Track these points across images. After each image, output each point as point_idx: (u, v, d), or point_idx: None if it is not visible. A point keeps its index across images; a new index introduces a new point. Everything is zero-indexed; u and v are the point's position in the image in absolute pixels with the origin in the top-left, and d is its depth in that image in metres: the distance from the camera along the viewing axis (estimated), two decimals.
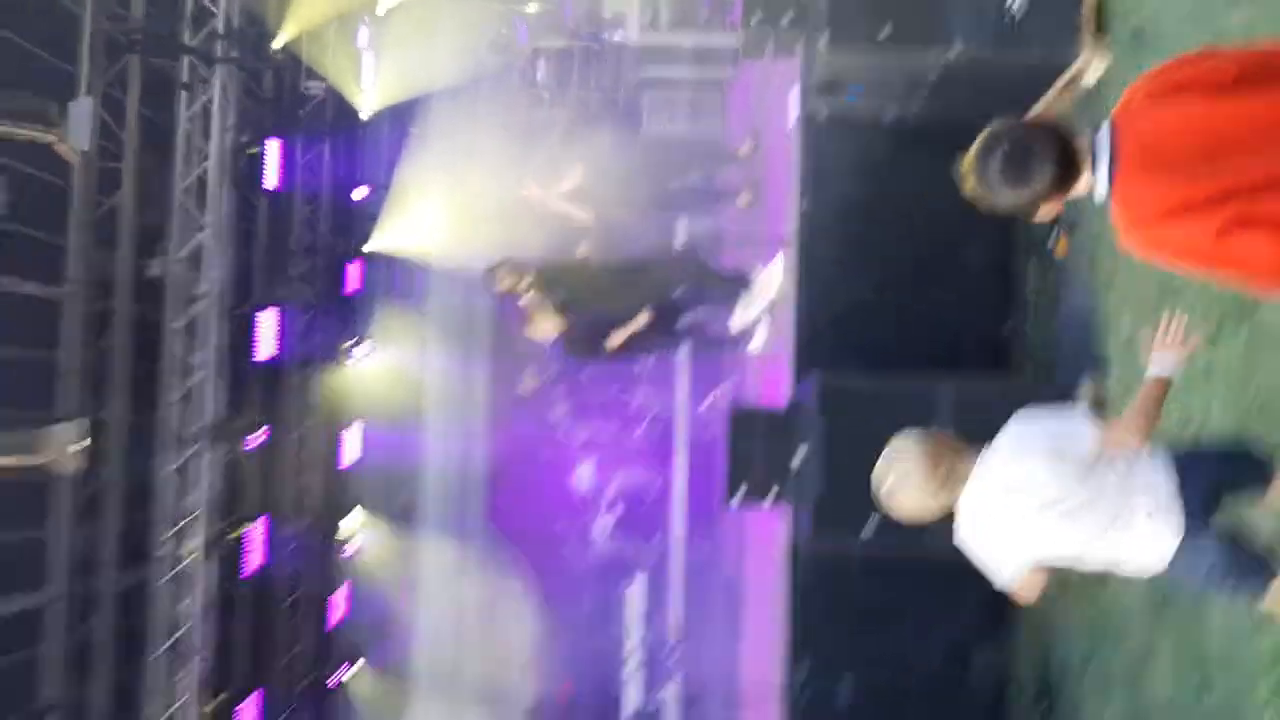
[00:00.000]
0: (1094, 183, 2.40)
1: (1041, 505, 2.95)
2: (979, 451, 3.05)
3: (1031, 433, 3.07)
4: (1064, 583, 5.63)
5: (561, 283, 7.25)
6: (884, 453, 3.06)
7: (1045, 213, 2.50)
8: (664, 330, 7.86)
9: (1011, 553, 3.04)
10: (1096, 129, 2.42)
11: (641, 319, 7.66)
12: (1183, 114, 2.33)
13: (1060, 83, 4.90)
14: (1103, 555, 3.03)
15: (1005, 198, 2.40)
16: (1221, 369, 4.24)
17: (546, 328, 7.36)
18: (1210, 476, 2.99)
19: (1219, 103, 2.30)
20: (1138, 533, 2.93)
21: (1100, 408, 5.45)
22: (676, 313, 8.12)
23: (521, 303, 7.39)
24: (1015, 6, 5.36)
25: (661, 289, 8.02)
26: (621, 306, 7.49)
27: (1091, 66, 5.58)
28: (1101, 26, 5.46)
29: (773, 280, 7.25)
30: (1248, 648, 3.90)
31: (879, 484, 3.03)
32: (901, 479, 2.98)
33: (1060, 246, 5.92)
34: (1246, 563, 2.95)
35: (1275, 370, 3.85)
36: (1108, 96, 5.33)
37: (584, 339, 7.54)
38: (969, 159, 2.43)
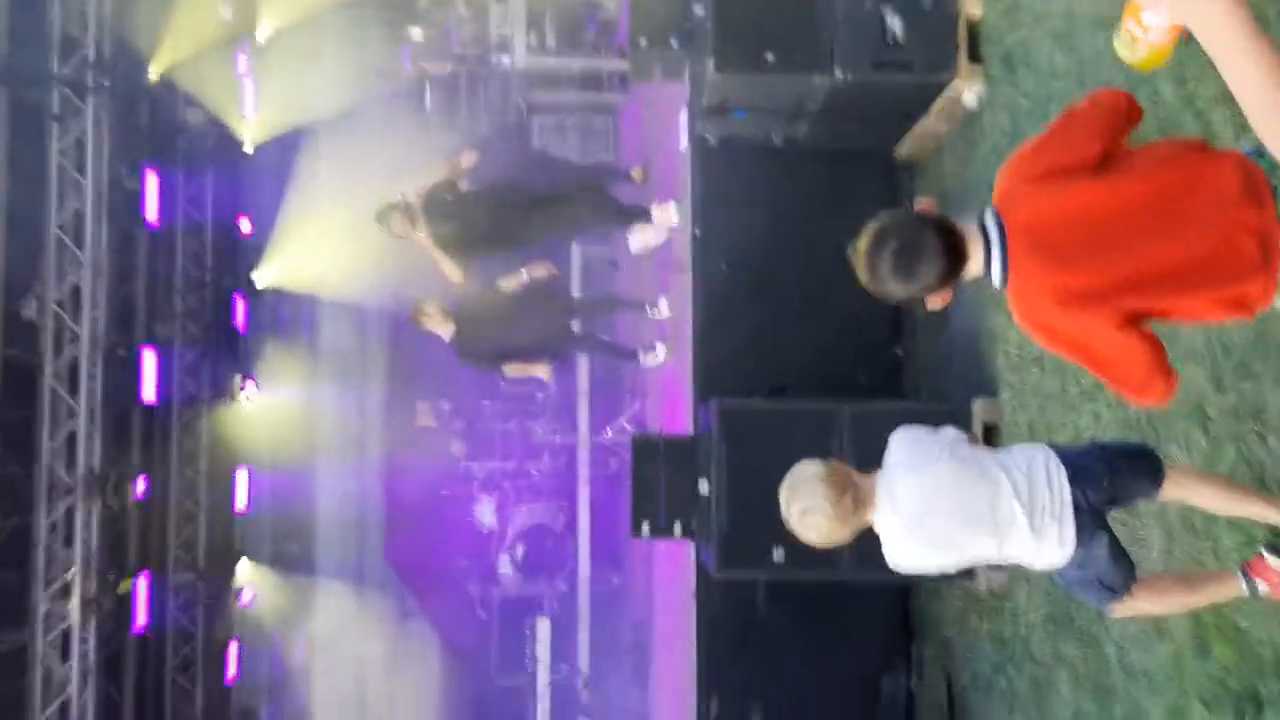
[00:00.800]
0: (988, 270, 2.45)
1: (954, 512, 3.05)
2: (874, 475, 3.14)
3: (923, 446, 3.16)
4: (970, 599, 5.66)
5: (451, 217, 7.10)
6: (785, 483, 3.10)
7: (935, 302, 2.56)
8: (560, 335, 7.80)
9: (937, 560, 3.14)
10: (982, 215, 2.46)
11: (540, 369, 7.64)
12: (1063, 200, 2.37)
13: (939, 102, 4.98)
14: (1010, 554, 3.12)
15: (897, 291, 2.47)
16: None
17: (439, 327, 7.24)
18: (1102, 470, 3.08)
19: (1097, 186, 2.35)
20: (1045, 532, 3.03)
21: (993, 430, 5.52)
22: (572, 315, 8.04)
23: (418, 312, 7.29)
24: (893, 32, 5.42)
25: (562, 303, 8.07)
26: (515, 318, 7.42)
27: (968, 89, 5.69)
28: (975, 52, 5.57)
29: (669, 214, 7.31)
30: (1149, 657, 3.94)
31: (786, 514, 3.06)
32: (810, 509, 3.02)
33: None
34: (1118, 570, 3.11)
35: None
36: (984, 117, 5.46)
37: (476, 350, 7.43)
38: (860, 253, 2.48)
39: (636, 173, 7.86)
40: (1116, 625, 4.21)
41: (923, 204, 2.60)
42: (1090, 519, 3.04)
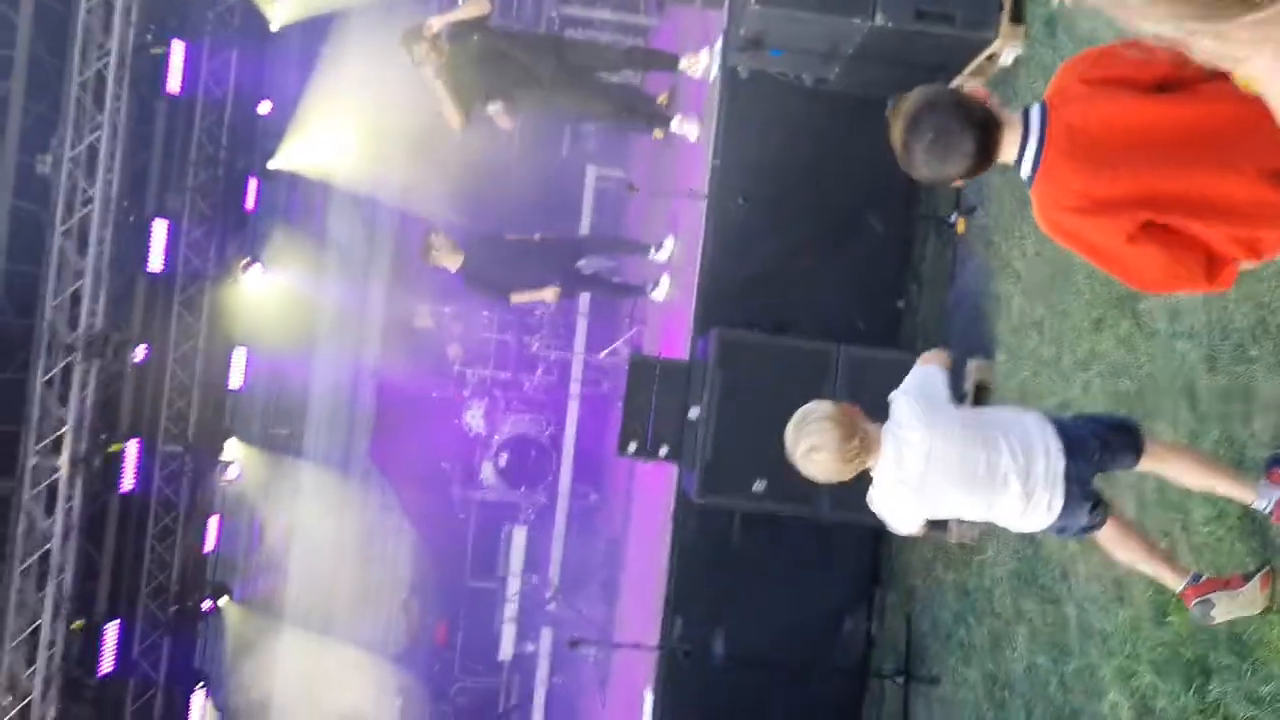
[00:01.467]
0: (1019, 162, 2.49)
1: (952, 473, 3.14)
2: (880, 425, 3.21)
3: (937, 406, 3.24)
4: (940, 550, 5.81)
5: (473, 56, 6.80)
6: (794, 419, 3.15)
7: (955, 184, 2.62)
8: (566, 276, 7.87)
9: (923, 512, 3.26)
10: (1029, 107, 2.49)
11: (547, 293, 7.67)
12: (1114, 110, 2.38)
13: (977, 61, 4.98)
14: (997, 516, 3.23)
15: (923, 173, 2.54)
16: (1101, 354, 4.38)
17: (447, 259, 7.33)
18: (1094, 445, 3.19)
19: (1150, 105, 2.36)
20: (1035, 498, 3.13)
21: (984, 390, 5.62)
22: (579, 256, 8.14)
23: (427, 246, 7.36)
24: None
25: (570, 248, 8.10)
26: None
27: (1008, 48, 5.69)
28: (1019, 12, 5.55)
29: (691, 127, 7.23)
30: (1108, 619, 4.07)
31: (791, 449, 3.12)
32: (817, 447, 3.08)
33: (960, 224, 6.04)
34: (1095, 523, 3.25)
35: (1152, 358, 3.99)
36: (1021, 76, 5.47)
37: (483, 281, 7.54)
38: (897, 127, 2.52)
39: (663, 98, 7.85)
40: (1079, 586, 4.35)
41: (973, 88, 2.60)
42: (1078, 489, 3.14)
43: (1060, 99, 2.46)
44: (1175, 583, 3.35)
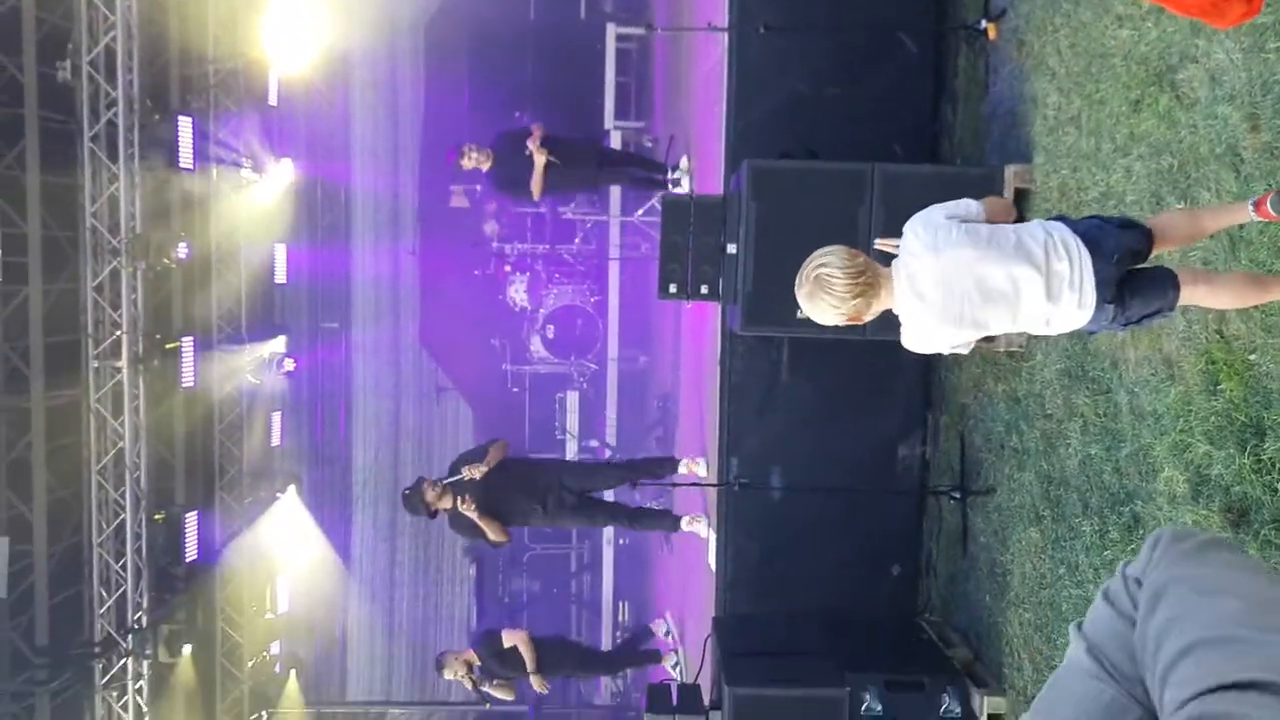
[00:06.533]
0: None
1: (973, 291, 3.14)
2: (890, 266, 3.21)
3: (940, 228, 3.20)
4: (988, 364, 5.81)
5: None
6: (807, 261, 3.13)
7: None
8: (591, 168, 8.16)
9: (954, 334, 3.26)
10: None
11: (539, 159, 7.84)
12: None
13: None
14: (1025, 326, 3.25)
15: None
16: (1141, 135, 4.28)
17: (479, 163, 7.68)
18: (1110, 245, 3.18)
19: None
20: (1063, 299, 3.14)
21: (1023, 195, 5.53)
22: (602, 161, 8.35)
23: (461, 154, 7.73)
24: None
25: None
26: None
27: None
28: None
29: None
30: (1160, 399, 4.08)
31: (800, 283, 3.11)
32: (825, 265, 3.07)
33: (991, 29, 5.86)
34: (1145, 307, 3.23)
35: (1193, 129, 3.90)
36: None
37: (513, 181, 7.89)
38: None
39: None
40: (1129, 373, 4.34)
41: None
42: (1104, 288, 3.14)
43: None
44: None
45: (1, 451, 8.13)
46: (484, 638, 8.05)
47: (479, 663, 7.52)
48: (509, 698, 7.67)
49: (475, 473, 7.01)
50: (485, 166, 8.02)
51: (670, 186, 8.66)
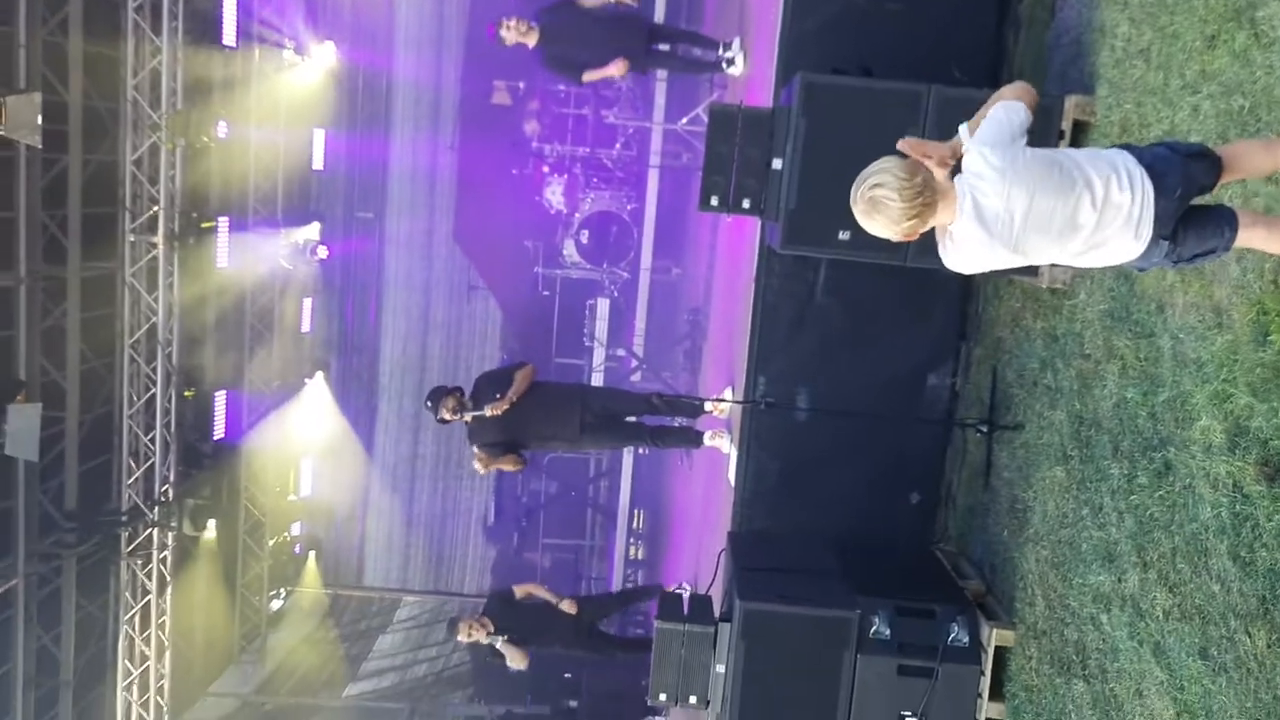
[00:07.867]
0: None
1: (1032, 220, 3.06)
2: (951, 180, 3.10)
3: (1013, 151, 3.09)
4: (1029, 298, 5.72)
5: None
6: (863, 173, 3.04)
7: None
8: (639, 51, 7.87)
9: (1006, 263, 3.18)
10: None
11: (615, 68, 7.61)
12: None
13: None
14: (1083, 259, 3.17)
15: None
16: (1213, 73, 4.13)
17: (525, 38, 7.50)
18: (1175, 180, 3.07)
19: None
20: (1122, 235, 3.07)
21: (1083, 127, 5.37)
22: (654, 38, 8.07)
23: (503, 26, 7.48)
24: None
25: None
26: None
27: None
28: None
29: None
30: (1205, 347, 4.00)
31: (855, 196, 3.03)
32: (880, 183, 2.98)
33: None
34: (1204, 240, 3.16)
35: (1269, 70, 3.75)
36: None
37: (559, 59, 7.64)
38: None
39: None
40: (1175, 318, 4.26)
41: None
42: (1162, 223, 3.05)
43: None
44: None
45: (37, 319, 8.21)
46: (495, 595, 8.16)
47: (492, 628, 7.54)
48: (521, 665, 7.62)
49: (498, 410, 7.00)
50: (530, 42, 7.67)
51: (724, 66, 8.35)
